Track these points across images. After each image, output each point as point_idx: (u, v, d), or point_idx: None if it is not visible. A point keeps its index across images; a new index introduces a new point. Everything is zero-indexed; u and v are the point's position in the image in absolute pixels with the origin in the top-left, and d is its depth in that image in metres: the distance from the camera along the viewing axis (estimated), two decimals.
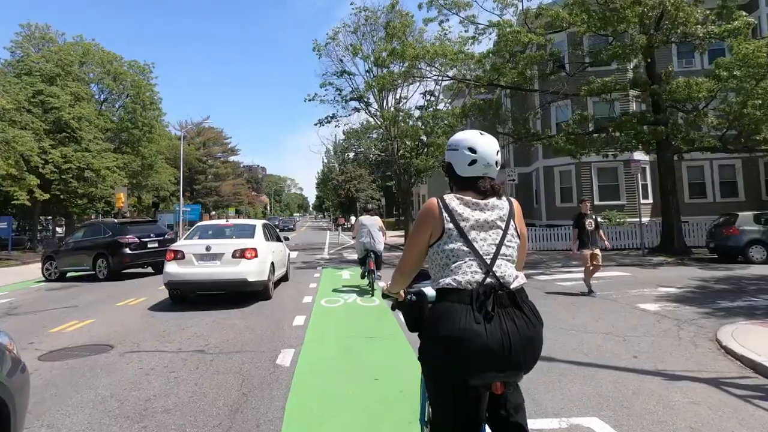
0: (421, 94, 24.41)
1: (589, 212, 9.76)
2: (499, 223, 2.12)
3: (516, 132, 20.49)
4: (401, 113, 25.69)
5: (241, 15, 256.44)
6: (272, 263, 10.19)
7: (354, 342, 6.50)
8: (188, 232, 10.67)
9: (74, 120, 28.48)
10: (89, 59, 33.58)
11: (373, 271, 10.48)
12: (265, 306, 9.26)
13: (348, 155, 69.96)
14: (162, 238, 14.74)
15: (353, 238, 13.84)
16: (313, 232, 55.01)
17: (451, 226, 2.09)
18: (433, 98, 27.45)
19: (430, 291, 2.30)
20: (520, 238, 2.19)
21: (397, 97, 26.78)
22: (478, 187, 2.16)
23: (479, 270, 2.03)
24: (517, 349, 1.92)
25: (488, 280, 2.01)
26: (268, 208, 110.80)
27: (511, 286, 2.02)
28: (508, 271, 2.06)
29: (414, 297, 2.37)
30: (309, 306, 9.23)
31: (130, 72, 35.08)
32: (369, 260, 10.48)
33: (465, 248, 2.06)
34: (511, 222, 2.16)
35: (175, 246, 9.94)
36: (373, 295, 10.09)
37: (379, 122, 26.10)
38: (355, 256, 14.59)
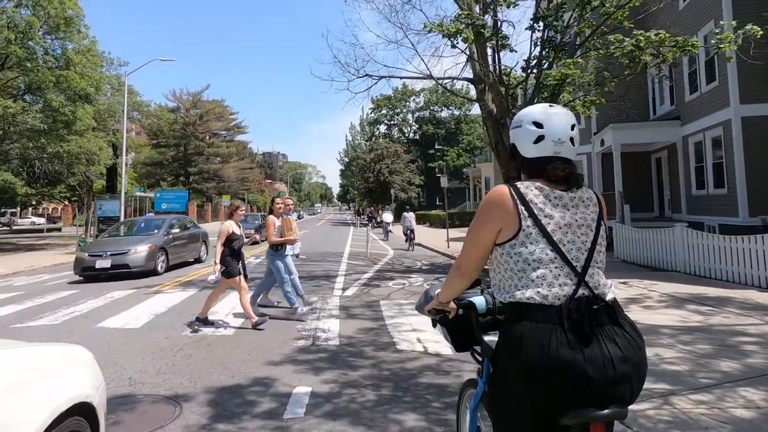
0: None
1: None
2: (590, 221, 1.73)
3: None
4: None
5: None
6: None
7: None
8: None
9: None
10: None
11: (412, 239, 19.35)
12: None
13: (377, 128, 55.50)
14: None
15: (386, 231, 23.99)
16: (332, 228, 40.77)
17: (530, 222, 1.67)
18: None
19: (480, 302, 2.00)
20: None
21: None
22: (548, 172, 1.73)
23: (568, 281, 1.64)
24: (624, 377, 1.54)
25: (580, 292, 1.62)
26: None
27: (607, 298, 1.65)
28: (602, 280, 1.70)
29: (461, 310, 1.99)
30: None
31: None
32: (410, 233, 19.54)
33: (550, 252, 1.66)
34: (602, 222, 1.76)
35: None
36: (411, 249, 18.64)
37: None
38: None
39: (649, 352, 5.30)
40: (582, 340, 1.53)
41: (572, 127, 1.77)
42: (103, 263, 11.56)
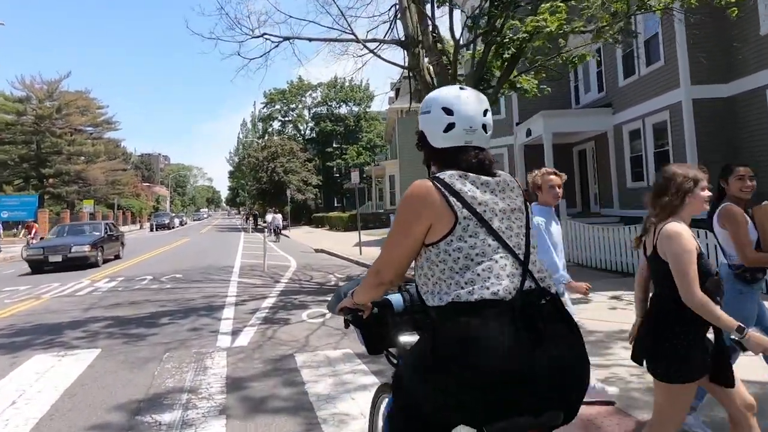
0: None
1: None
2: (519, 205, 1.57)
3: None
4: None
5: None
6: None
7: None
8: None
9: None
10: None
11: (279, 233, 26.17)
12: None
13: (270, 125, 51.20)
14: None
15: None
16: (218, 235, 35.93)
17: (466, 213, 1.46)
18: None
19: (397, 300, 1.87)
20: None
21: None
22: (460, 163, 1.54)
23: (515, 270, 1.45)
24: (569, 381, 1.39)
25: (527, 284, 1.44)
26: (167, 202, 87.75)
27: (552, 290, 1.49)
28: (545, 271, 1.54)
29: (376, 309, 1.81)
30: None
31: None
32: (277, 229, 26.46)
33: (492, 242, 1.46)
34: (527, 206, 1.61)
35: None
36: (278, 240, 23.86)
37: None
38: None
39: None
40: (535, 339, 1.35)
41: (485, 113, 1.59)
42: None
